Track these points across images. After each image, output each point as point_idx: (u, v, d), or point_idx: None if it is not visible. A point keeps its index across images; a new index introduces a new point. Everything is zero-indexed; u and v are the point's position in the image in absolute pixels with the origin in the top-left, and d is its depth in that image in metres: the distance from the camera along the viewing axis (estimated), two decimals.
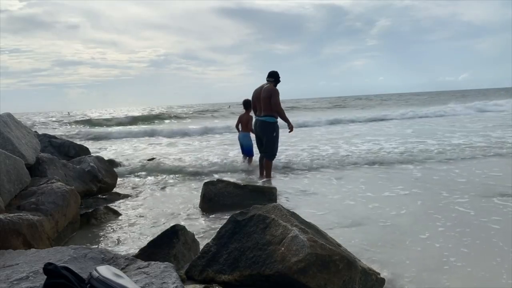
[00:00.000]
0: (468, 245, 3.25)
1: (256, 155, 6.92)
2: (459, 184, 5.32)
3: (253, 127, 6.60)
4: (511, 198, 4.50)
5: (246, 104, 7.35)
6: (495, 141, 8.99)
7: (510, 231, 3.50)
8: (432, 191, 5.02)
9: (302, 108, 36.57)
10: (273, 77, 6.10)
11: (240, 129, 7.59)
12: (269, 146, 6.14)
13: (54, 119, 28.70)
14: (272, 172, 6.36)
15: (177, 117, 28.86)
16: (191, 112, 33.70)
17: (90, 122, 25.11)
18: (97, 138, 15.45)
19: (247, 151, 7.48)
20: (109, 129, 18.84)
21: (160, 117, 28.72)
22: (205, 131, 16.14)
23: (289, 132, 6.33)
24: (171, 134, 15.53)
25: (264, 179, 6.18)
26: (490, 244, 3.24)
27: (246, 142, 7.45)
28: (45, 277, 1.56)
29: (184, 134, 15.66)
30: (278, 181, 6.05)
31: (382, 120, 19.45)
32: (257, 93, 6.17)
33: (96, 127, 21.93)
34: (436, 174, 6.04)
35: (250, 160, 7.39)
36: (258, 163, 6.62)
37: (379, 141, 10.17)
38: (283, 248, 2.16)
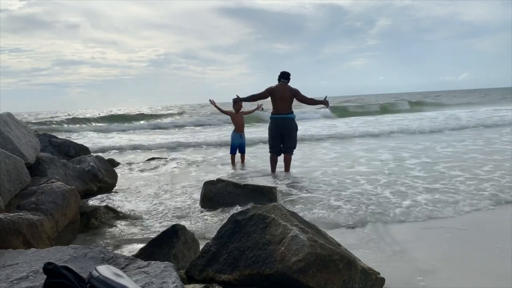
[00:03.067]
0: (471, 246, 3.25)
1: (260, 152, 7.06)
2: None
3: (271, 125, 6.67)
4: None
5: (234, 102, 7.54)
6: None
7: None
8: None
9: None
10: (287, 78, 6.57)
11: (234, 130, 7.78)
12: (294, 141, 6.61)
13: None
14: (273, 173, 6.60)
15: None
16: None
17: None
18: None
19: (242, 150, 7.86)
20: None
21: None
22: None
23: (327, 107, 6.93)
24: None
25: (285, 173, 6.48)
26: (492, 246, 3.24)
27: (241, 141, 7.81)
28: (45, 276, 1.56)
29: None
30: (279, 180, 6.06)
31: None
32: (278, 92, 6.45)
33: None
34: None
35: (243, 158, 7.88)
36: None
37: None
38: (283, 248, 2.16)
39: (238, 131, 7.78)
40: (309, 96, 6.59)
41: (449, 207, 4.23)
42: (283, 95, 6.42)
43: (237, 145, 7.78)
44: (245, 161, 7.86)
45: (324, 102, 6.53)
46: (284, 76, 6.55)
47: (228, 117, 8.12)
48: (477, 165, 6.49)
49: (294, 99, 6.49)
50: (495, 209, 4.25)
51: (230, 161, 7.81)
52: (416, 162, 7.11)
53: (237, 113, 7.79)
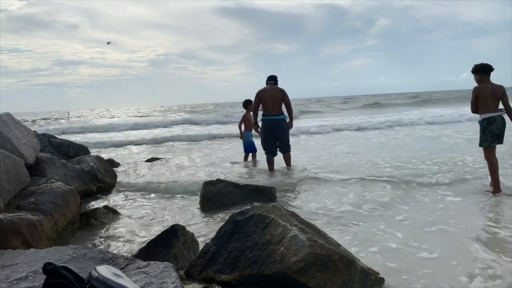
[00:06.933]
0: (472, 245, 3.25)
1: (261, 153, 7.07)
2: None
3: (263, 127, 6.71)
4: None
5: (248, 103, 7.70)
6: None
7: None
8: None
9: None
10: (274, 80, 6.73)
11: (243, 129, 7.75)
12: (288, 141, 6.74)
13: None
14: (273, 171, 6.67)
15: None
16: None
17: None
18: None
19: (253, 148, 7.84)
20: None
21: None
22: None
23: (290, 128, 6.81)
24: None
25: (287, 168, 6.65)
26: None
27: (251, 140, 7.80)
28: (45, 277, 1.56)
29: None
30: (279, 179, 6.05)
31: None
32: (267, 94, 6.59)
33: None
34: None
35: (254, 156, 7.87)
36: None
37: None
38: (282, 248, 2.16)
39: (249, 129, 7.79)
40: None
41: None
42: (272, 95, 6.54)
43: (252, 143, 7.79)
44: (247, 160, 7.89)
45: (290, 123, 6.78)
46: (272, 79, 6.73)
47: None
48: None
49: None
50: None
51: (226, 160, 7.80)
52: None
53: (247, 113, 7.81)
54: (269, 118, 6.58)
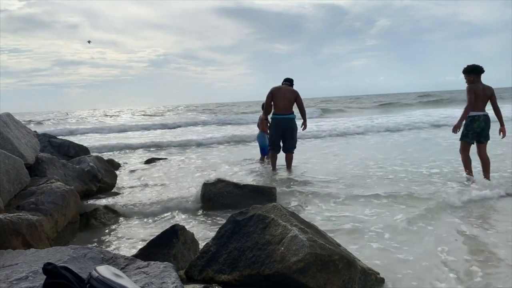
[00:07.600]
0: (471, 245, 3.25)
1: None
2: None
3: (273, 124, 6.78)
4: None
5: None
6: None
7: None
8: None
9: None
10: (290, 82, 6.92)
11: (262, 131, 7.76)
12: (295, 141, 6.82)
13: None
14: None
15: None
16: None
17: None
18: None
19: (266, 150, 7.67)
20: None
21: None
22: None
23: (303, 129, 6.89)
24: None
25: (287, 171, 6.67)
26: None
27: (266, 141, 7.64)
28: (45, 277, 1.56)
29: None
30: (279, 180, 6.06)
31: None
32: (281, 92, 6.69)
33: None
34: None
35: (263, 159, 7.85)
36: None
37: None
38: (282, 248, 2.16)
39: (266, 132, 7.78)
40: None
41: None
42: (286, 94, 6.64)
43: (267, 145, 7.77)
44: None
45: (305, 124, 6.86)
46: (288, 80, 6.90)
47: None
48: None
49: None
50: None
51: (226, 161, 7.78)
52: None
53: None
54: (279, 117, 6.64)
